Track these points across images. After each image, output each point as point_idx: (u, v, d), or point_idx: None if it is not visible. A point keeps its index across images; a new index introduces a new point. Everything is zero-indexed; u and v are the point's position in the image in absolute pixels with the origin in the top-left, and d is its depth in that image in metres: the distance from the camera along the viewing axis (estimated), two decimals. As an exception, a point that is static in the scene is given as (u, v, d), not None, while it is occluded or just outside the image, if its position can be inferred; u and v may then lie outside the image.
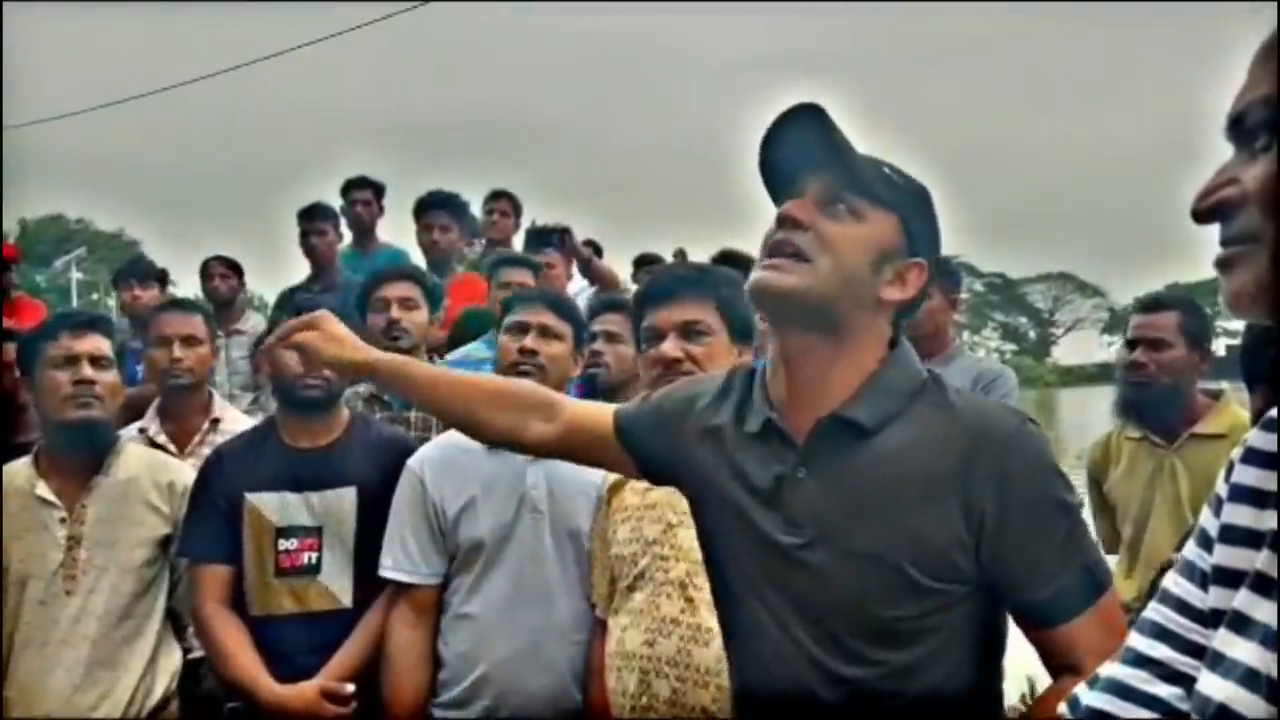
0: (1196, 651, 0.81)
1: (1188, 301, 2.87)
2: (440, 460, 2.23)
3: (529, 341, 2.23)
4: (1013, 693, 1.90)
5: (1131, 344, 2.78)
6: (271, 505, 2.31)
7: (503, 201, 5.06)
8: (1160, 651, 0.85)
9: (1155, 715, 0.83)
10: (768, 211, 1.33)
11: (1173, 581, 0.87)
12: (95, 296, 31.67)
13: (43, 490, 2.34)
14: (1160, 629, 0.86)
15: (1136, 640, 0.87)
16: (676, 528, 1.91)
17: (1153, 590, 0.91)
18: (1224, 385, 2.88)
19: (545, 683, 2.13)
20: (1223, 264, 0.74)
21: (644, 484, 1.97)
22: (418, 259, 4.63)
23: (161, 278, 5.05)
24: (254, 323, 4.73)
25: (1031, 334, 71.10)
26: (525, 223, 4.99)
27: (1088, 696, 0.89)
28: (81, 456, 2.37)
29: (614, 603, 2.00)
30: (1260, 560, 0.76)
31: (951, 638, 1.25)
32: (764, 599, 1.30)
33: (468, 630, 2.18)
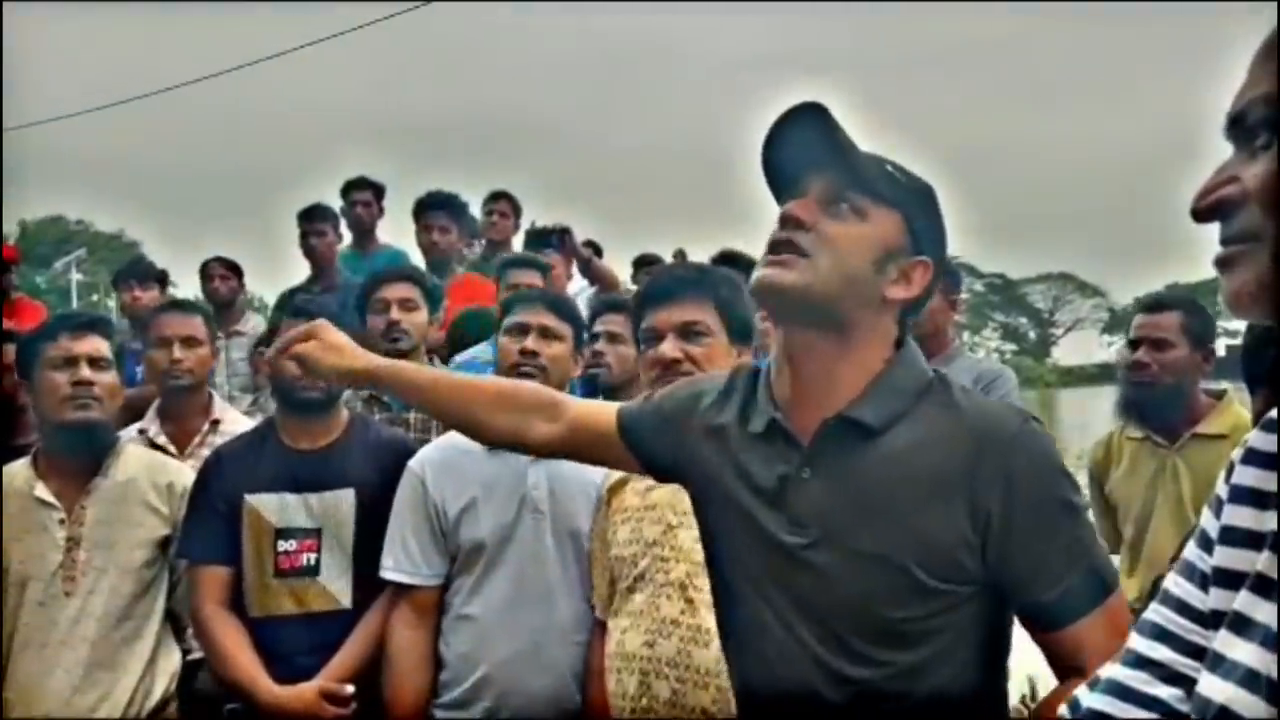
0: (1197, 653, 0.81)
1: (1190, 302, 2.87)
2: (441, 461, 2.23)
3: (530, 343, 2.23)
4: (1013, 694, 1.89)
5: (1134, 344, 2.78)
6: (271, 506, 2.31)
7: (502, 202, 5.06)
8: (1160, 653, 0.84)
9: (1155, 716, 0.83)
10: (768, 212, 1.33)
11: (1173, 582, 0.86)
12: (95, 298, 31.71)
13: (42, 491, 2.34)
14: (1160, 630, 0.86)
15: (1137, 641, 0.87)
16: (677, 529, 1.90)
17: (1154, 591, 0.91)
18: (1225, 385, 2.87)
19: (546, 683, 2.13)
20: (1223, 263, 0.74)
21: (645, 485, 1.97)
22: (417, 260, 4.63)
23: (161, 279, 5.06)
24: (254, 324, 4.73)
25: (1031, 334, 71.09)
26: (525, 223, 4.99)
27: (1088, 698, 0.88)
28: (80, 458, 2.37)
29: (614, 604, 2.00)
30: (1260, 561, 0.76)
31: (957, 639, 1.24)
32: (768, 599, 1.30)
33: (469, 631, 2.18)
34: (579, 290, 4.56)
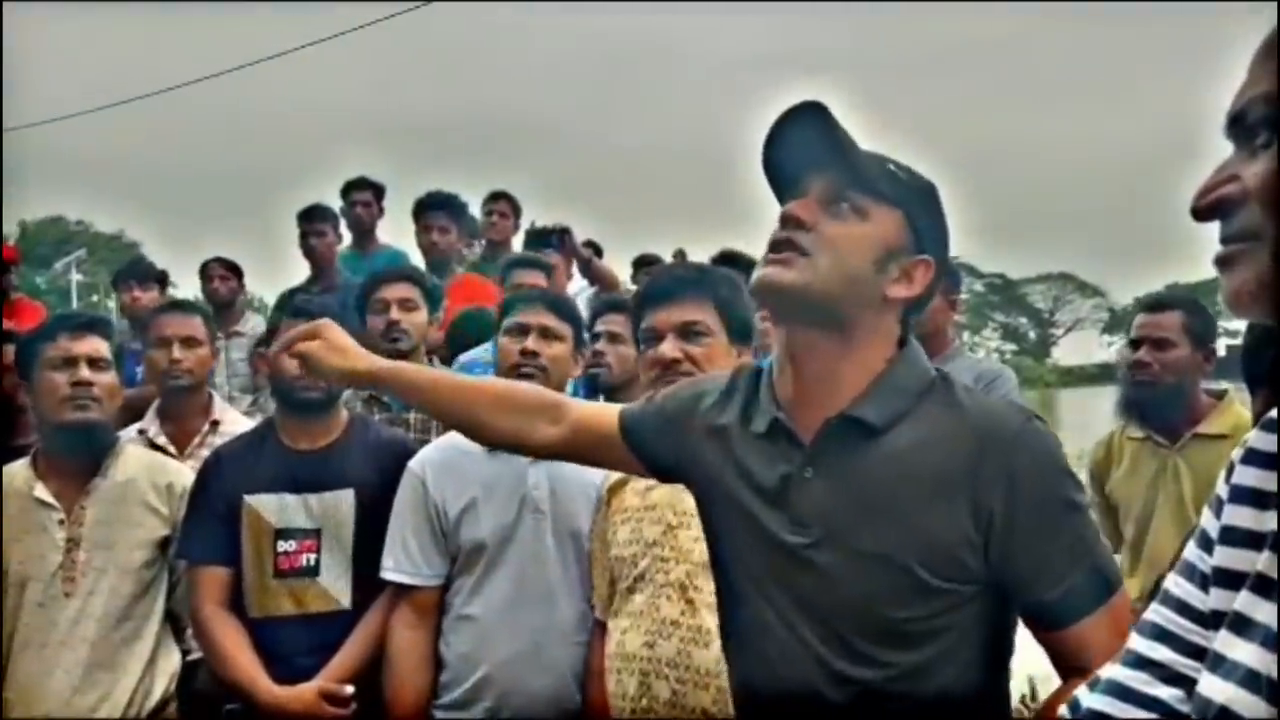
0: (1197, 653, 0.81)
1: (1192, 301, 2.87)
2: (441, 462, 2.23)
3: (530, 343, 2.23)
4: (1013, 694, 1.89)
5: (1135, 343, 2.78)
6: (270, 507, 2.31)
7: (502, 202, 5.06)
8: (1161, 653, 0.84)
9: (1156, 717, 0.83)
10: (769, 211, 1.32)
11: (1173, 583, 0.86)
12: (95, 298, 31.71)
13: (41, 492, 2.34)
14: (1161, 630, 0.85)
15: (1137, 642, 0.87)
16: (677, 529, 1.90)
17: (1155, 591, 0.91)
18: (1225, 385, 2.87)
19: (547, 684, 2.13)
20: (1223, 262, 0.74)
21: (645, 485, 1.97)
22: (417, 260, 4.63)
23: (161, 279, 5.07)
24: (254, 324, 4.74)
25: (1031, 334, 71.03)
26: (525, 223, 4.99)
27: (1088, 698, 0.88)
28: (80, 458, 2.37)
29: (614, 604, 1.99)
30: (1261, 562, 0.76)
31: (960, 639, 1.24)
32: (770, 598, 1.30)
33: (469, 631, 2.18)
34: (579, 290, 4.56)
